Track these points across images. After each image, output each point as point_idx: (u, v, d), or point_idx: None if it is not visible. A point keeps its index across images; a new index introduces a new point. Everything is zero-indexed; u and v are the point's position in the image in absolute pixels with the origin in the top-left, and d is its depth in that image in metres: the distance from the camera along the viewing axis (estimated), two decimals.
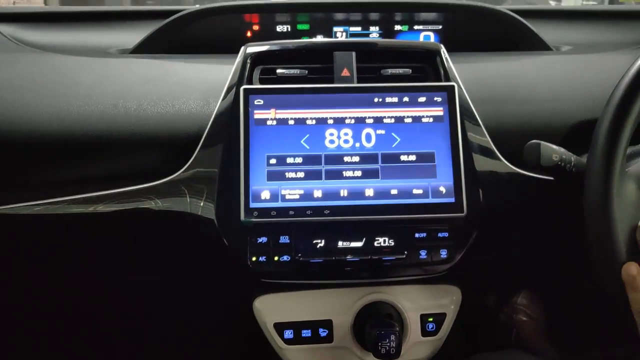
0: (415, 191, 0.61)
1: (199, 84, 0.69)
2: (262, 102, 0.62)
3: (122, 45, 0.87)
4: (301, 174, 0.61)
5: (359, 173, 0.61)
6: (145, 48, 0.84)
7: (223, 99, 0.64)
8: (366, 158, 0.62)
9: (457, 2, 0.91)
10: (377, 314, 0.67)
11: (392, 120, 0.63)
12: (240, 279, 0.69)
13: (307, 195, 0.60)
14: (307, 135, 0.62)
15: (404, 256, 0.63)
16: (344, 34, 0.93)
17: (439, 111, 0.63)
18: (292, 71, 0.67)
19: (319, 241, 0.62)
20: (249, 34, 0.91)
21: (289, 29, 0.91)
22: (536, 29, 0.89)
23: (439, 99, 0.63)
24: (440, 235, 0.64)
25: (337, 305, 0.68)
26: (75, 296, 0.85)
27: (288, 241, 0.62)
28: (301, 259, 0.62)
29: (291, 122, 0.62)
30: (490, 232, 0.65)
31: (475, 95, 0.67)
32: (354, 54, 0.67)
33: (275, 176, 0.61)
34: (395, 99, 0.63)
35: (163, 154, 0.65)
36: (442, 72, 0.68)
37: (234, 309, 0.82)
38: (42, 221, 0.64)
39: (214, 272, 0.74)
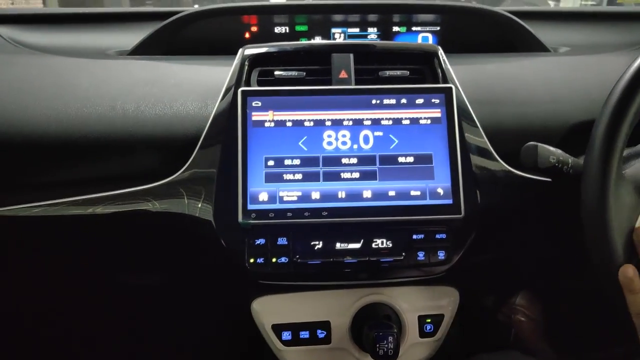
0: (413, 193, 0.61)
1: (197, 85, 0.69)
2: (260, 104, 0.62)
3: (120, 47, 0.87)
4: (299, 176, 0.61)
5: (356, 175, 0.61)
6: (143, 49, 0.84)
7: (221, 100, 0.64)
8: (364, 160, 0.62)
9: (455, 4, 0.91)
10: (375, 316, 0.67)
11: (390, 122, 0.63)
12: (238, 280, 0.69)
13: (305, 197, 0.61)
14: (305, 137, 0.62)
15: (402, 257, 0.63)
16: (342, 35, 0.93)
17: (436, 113, 0.63)
18: (290, 73, 0.67)
19: (317, 243, 0.62)
20: (247, 35, 0.91)
21: (287, 30, 0.91)
22: (534, 31, 0.89)
23: (437, 101, 0.63)
24: (438, 236, 0.64)
25: (335, 307, 0.68)
26: (73, 297, 0.85)
27: (286, 243, 0.62)
28: (299, 260, 0.62)
29: (289, 123, 0.62)
30: (488, 233, 0.65)
31: (473, 96, 0.67)
32: (351, 55, 0.67)
33: (273, 178, 0.61)
34: (393, 101, 0.63)
35: (161, 155, 0.65)
36: (439, 73, 0.68)
37: (232, 311, 0.82)
38: (40, 223, 0.64)
39: (212, 273, 0.74)
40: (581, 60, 0.84)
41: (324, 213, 0.60)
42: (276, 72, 0.67)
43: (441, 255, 0.64)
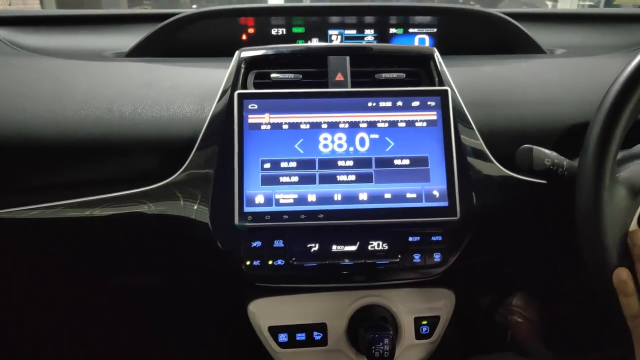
0: (409, 195, 0.61)
1: (193, 88, 0.69)
2: (256, 106, 0.62)
3: (117, 49, 0.87)
4: (295, 178, 0.61)
5: (352, 177, 0.62)
6: (140, 51, 0.84)
7: (217, 103, 0.64)
8: (360, 162, 0.62)
9: (451, 6, 0.91)
10: (371, 318, 0.68)
11: (386, 125, 0.63)
12: (235, 282, 0.69)
13: (301, 200, 0.61)
14: (301, 139, 0.62)
15: (398, 260, 0.63)
16: (339, 37, 0.93)
17: (432, 115, 0.63)
18: (286, 75, 0.67)
19: (313, 245, 0.63)
20: (244, 37, 0.91)
21: (284, 32, 0.91)
22: (530, 32, 0.89)
23: (433, 103, 0.64)
24: (433, 238, 0.64)
25: (331, 309, 0.68)
26: (70, 300, 0.85)
27: (282, 245, 0.62)
28: (295, 262, 0.62)
29: (285, 126, 0.62)
30: (484, 235, 0.66)
31: (469, 98, 0.67)
32: (348, 58, 0.68)
33: (270, 180, 0.61)
34: (389, 104, 0.63)
35: (158, 158, 0.65)
36: (435, 76, 0.68)
37: (228, 313, 0.82)
38: (37, 225, 0.64)
39: (208, 275, 0.75)
40: (577, 62, 0.84)
41: (320, 215, 0.60)
42: (272, 75, 0.67)
43: (437, 257, 0.64)
